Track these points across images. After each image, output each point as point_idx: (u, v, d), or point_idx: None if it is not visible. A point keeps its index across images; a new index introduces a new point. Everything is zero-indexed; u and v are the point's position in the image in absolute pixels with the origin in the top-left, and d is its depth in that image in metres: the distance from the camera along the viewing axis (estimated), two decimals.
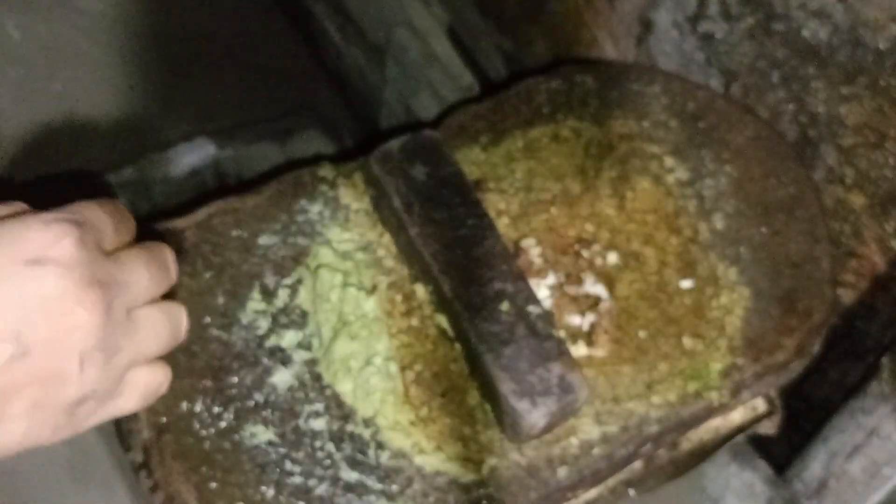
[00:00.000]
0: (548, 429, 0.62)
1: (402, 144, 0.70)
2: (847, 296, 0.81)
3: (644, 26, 0.87)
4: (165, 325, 0.45)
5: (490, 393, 0.62)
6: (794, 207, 0.73)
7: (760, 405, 0.73)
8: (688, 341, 0.67)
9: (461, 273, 0.65)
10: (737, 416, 0.72)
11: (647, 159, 0.75)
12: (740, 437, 0.73)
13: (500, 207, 0.72)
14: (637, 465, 0.69)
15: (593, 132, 0.76)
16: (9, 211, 0.41)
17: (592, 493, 0.68)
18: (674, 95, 0.78)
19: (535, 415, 0.60)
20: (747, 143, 0.75)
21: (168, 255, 0.47)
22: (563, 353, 0.62)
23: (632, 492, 0.71)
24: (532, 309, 0.63)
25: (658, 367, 0.66)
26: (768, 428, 0.74)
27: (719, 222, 0.72)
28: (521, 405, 0.60)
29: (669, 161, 0.75)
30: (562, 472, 0.63)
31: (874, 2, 0.66)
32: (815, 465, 0.82)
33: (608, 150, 0.75)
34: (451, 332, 0.65)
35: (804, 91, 0.75)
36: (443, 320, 0.66)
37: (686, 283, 0.69)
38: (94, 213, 0.42)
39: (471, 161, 0.74)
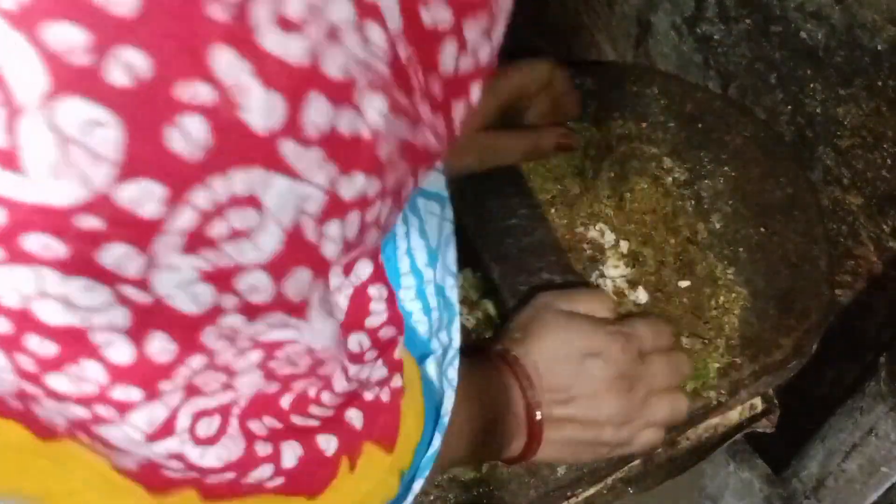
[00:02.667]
0: None
1: None
2: (844, 295, 0.81)
3: (642, 28, 0.87)
4: (671, 407, 0.62)
5: None
6: (791, 208, 0.73)
7: (758, 404, 0.73)
8: (686, 341, 0.67)
9: (510, 261, 0.65)
10: (735, 414, 0.72)
11: (645, 160, 0.75)
12: (739, 436, 0.74)
13: None
14: (636, 463, 0.69)
15: (592, 133, 0.76)
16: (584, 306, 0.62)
17: (591, 491, 0.68)
18: (672, 97, 0.78)
19: None
20: (745, 144, 0.76)
21: (684, 361, 0.64)
22: None
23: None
24: None
25: None
26: (766, 426, 0.74)
27: (717, 222, 0.72)
28: None
29: (668, 162, 0.75)
30: (561, 470, 0.63)
31: (871, 4, 0.67)
32: (812, 464, 0.82)
33: (607, 150, 0.75)
34: (496, 319, 0.66)
35: (802, 92, 0.75)
36: (490, 306, 0.67)
37: (684, 283, 0.70)
38: (642, 328, 0.62)
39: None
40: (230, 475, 0.35)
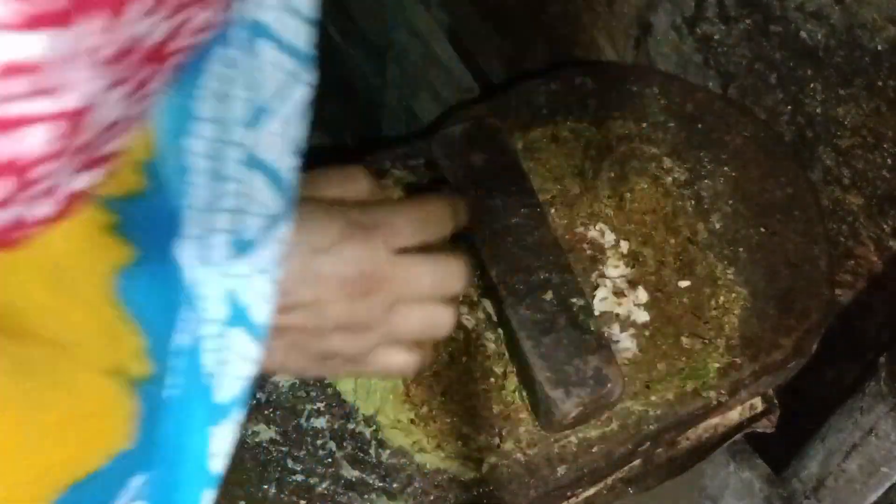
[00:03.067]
0: (580, 419, 0.63)
1: (464, 130, 0.70)
2: (845, 295, 0.81)
3: (642, 28, 0.87)
4: (423, 321, 0.50)
5: (527, 380, 0.63)
6: (791, 208, 0.73)
7: (758, 404, 0.74)
8: (686, 340, 0.68)
9: (509, 260, 0.65)
10: (735, 414, 0.72)
11: (645, 160, 0.75)
12: (739, 436, 0.74)
13: None
14: (636, 463, 0.69)
15: (592, 133, 0.76)
16: (339, 185, 0.49)
17: (591, 491, 0.68)
18: (672, 97, 0.78)
19: (567, 404, 0.61)
20: (745, 144, 0.76)
21: (457, 266, 0.50)
22: (602, 347, 0.63)
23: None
24: (575, 301, 0.64)
25: (657, 366, 0.67)
26: (766, 426, 0.74)
27: (717, 222, 0.73)
28: (556, 394, 0.61)
29: (668, 162, 0.75)
30: (561, 470, 0.63)
31: (871, 4, 0.67)
32: (812, 464, 0.82)
33: (607, 151, 0.75)
34: (494, 318, 0.67)
35: (802, 92, 0.75)
36: (488, 304, 0.67)
37: (684, 283, 0.70)
38: (397, 218, 0.49)
39: None
40: None
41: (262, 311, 0.39)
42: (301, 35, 0.38)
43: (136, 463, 0.35)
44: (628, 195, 0.73)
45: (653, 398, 0.65)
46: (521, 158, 0.71)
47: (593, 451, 0.64)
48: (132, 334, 0.34)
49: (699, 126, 0.77)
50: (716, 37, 0.80)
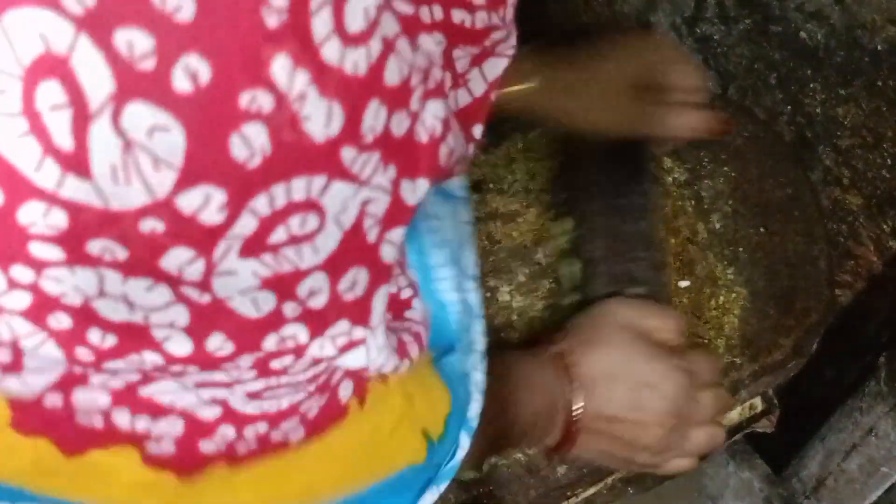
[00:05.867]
0: None
1: None
2: (844, 295, 0.81)
3: (642, 28, 0.87)
4: (708, 442, 0.60)
5: None
6: (791, 208, 0.73)
7: (758, 404, 0.74)
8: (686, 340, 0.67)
9: (605, 242, 0.65)
10: (735, 414, 0.72)
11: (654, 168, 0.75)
12: (739, 436, 0.74)
13: (499, 208, 0.72)
14: None
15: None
16: (660, 321, 0.60)
17: (591, 491, 0.68)
18: None
19: None
20: (745, 145, 0.76)
21: (726, 395, 0.62)
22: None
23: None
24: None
25: None
26: (766, 426, 0.74)
27: (717, 222, 0.72)
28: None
29: (668, 162, 0.75)
30: (561, 470, 0.63)
31: (871, 4, 0.67)
32: (812, 463, 0.82)
33: None
34: (567, 284, 0.66)
35: (801, 92, 0.75)
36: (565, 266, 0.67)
37: (684, 283, 0.70)
38: (701, 364, 0.60)
39: (471, 162, 0.74)
40: (262, 427, 0.35)
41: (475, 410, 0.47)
42: (457, 183, 0.50)
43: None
44: None
45: None
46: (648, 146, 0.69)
47: None
48: (442, 401, 0.44)
49: None
50: (715, 37, 0.80)
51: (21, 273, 0.26)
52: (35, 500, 0.34)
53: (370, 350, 0.33)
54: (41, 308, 0.27)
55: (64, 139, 0.23)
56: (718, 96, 0.81)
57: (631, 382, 0.57)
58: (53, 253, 0.25)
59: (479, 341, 0.50)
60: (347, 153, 0.26)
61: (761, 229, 0.72)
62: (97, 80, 0.23)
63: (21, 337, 0.27)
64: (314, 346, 0.31)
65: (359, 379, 0.39)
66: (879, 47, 0.68)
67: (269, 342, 0.30)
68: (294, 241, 0.27)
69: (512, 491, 0.62)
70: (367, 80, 0.26)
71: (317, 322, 0.30)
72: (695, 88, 0.63)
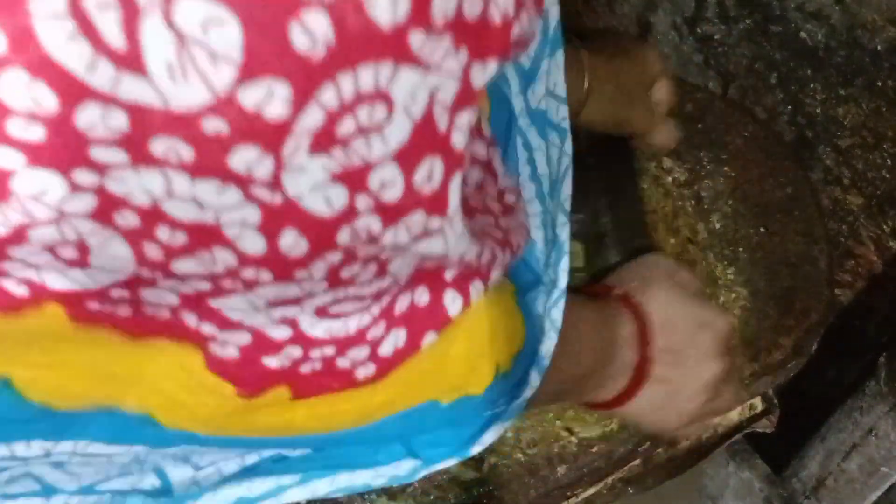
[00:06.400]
0: None
1: None
2: (844, 295, 0.81)
3: (642, 28, 0.87)
4: (735, 395, 0.62)
5: None
6: (791, 208, 0.73)
7: (758, 404, 0.74)
8: None
9: (610, 219, 0.67)
10: (735, 414, 0.72)
11: (645, 160, 0.75)
12: (739, 436, 0.74)
13: None
14: (636, 463, 0.69)
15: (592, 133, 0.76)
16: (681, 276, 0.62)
17: (591, 491, 0.68)
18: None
19: None
20: (745, 145, 0.76)
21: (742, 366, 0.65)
22: None
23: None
24: None
25: None
26: (766, 426, 0.74)
27: (717, 222, 0.72)
28: None
29: (668, 162, 0.75)
30: (561, 470, 0.63)
31: (871, 4, 0.67)
32: (812, 464, 0.82)
33: None
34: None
35: (802, 92, 0.75)
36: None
37: None
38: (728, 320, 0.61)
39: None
40: (329, 350, 0.34)
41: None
42: (561, 114, 0.48)
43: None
44: None
45: None
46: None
47: (593, 450, 0.64)
48: (518, 337, 0.44)
49: (699, 126, 0.77)
50: (716, 37, 0.80)
51: (84, 177, 0.25)
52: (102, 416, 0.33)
53: (447, 237, 0.31)
54: (107, 208, 0.26)
55: (116, 38, 0.22)
56: (719, 96, 0.81)
57: (691, 322, 0.58)
58: (117, 156, 0.24)
59: (563, 279, 0.49)
60: (416, 38, 0.25)
61: (761, 229, 0.72)
62: None
63: (86, 236, 0.26)
64: (388, 234, 0.29)
65: (438, 311, 0.37)
66: (879, 47, 0.68)
67: (343, 235, 0.28)
68: (362, 132, 0.26)
69: (512, 491, 0.62)
70: None
71: (392, 214, 0.29)
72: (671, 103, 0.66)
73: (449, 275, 0.37)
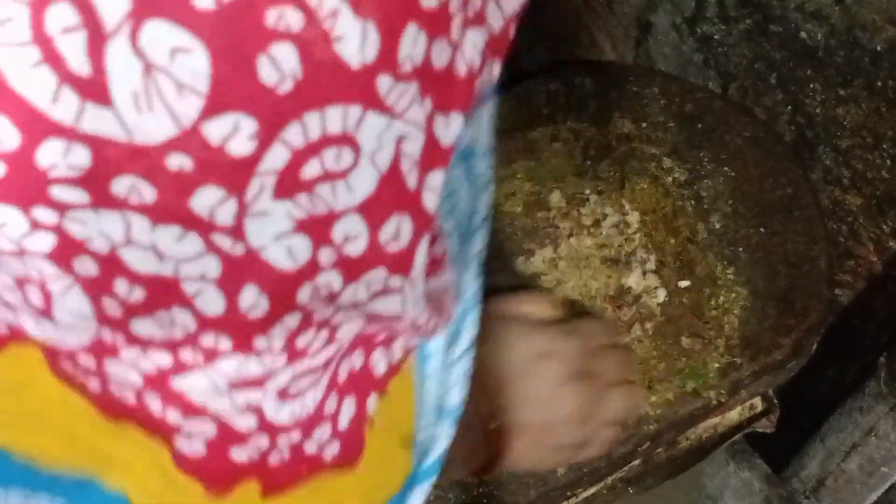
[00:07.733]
0: None
1: None
2: (845, 295, 0.81)
3: (642, 28, 0.87)
4: (624, 397, 0.58)
5: None
6: (791, 208, 0.73)
7: (758, 404, 0.74)
8: (686, 340, 0.68)
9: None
10: (735, 414, 0.72)
11: (645, 160, 0.75)
12: (739, 436, 0.74)
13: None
14: (636, 463, 0.69)
15: (592, 133, 0.76)
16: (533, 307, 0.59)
17: (591, 490, 0.68)
18: (672, 97, 0.78)
19: None
20: (745, 145, 0.76)
21: (629, 354, 0.63)
22: None
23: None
24: None
25: (657, 366, 0.67)
26: (766, 426, 0.74)
27: (717, 222, 0.73)
28: None
29: (668, 162, 0.75)
30: (561, 470, 0.63)
31: (871, 4, 0.67)
32: (812, 463, 0.82)
33: (607, 150, 0.75)
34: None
35: (802, 92, 0.75)
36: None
37: (684, 283, 0.70)
38: (587, 325, 0.59)
39: None
40: (296, 436, 0.33)
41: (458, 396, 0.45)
42: (486, 139, 0.44)
43: None
44: (628, 195, 0.73)
45: (653, 398, 0.65)
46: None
47: None
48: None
49: (699, 126, 0.77)
50: (716, 37, 0.80)
51: (44, 214, 0.24)
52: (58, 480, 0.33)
53: (406, 298, 0.31)
54: (66, 250, 0.25)
55: (80, 64, 0.22)
56: (718, 96, 0.81)
57: (525, 359, 0.56)
58: (77, 195, 0.24)
59: (469, 335, 0.48)
60: (384, 82, 0.25)
61: (761, 229, 0.72)
62: None
63: (48, 279, 0.26)
64: (348, 292, 0.29)
65: (370, 372, 0.36)
66: (879, 47, 0.68)
67: (303, 293, 0.28)
68: (328, 177, 0.25)
69: (512, 491, 0.62)
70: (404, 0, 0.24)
71: (354, 270, 0.28)
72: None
73: (380, 336, 0.36)
